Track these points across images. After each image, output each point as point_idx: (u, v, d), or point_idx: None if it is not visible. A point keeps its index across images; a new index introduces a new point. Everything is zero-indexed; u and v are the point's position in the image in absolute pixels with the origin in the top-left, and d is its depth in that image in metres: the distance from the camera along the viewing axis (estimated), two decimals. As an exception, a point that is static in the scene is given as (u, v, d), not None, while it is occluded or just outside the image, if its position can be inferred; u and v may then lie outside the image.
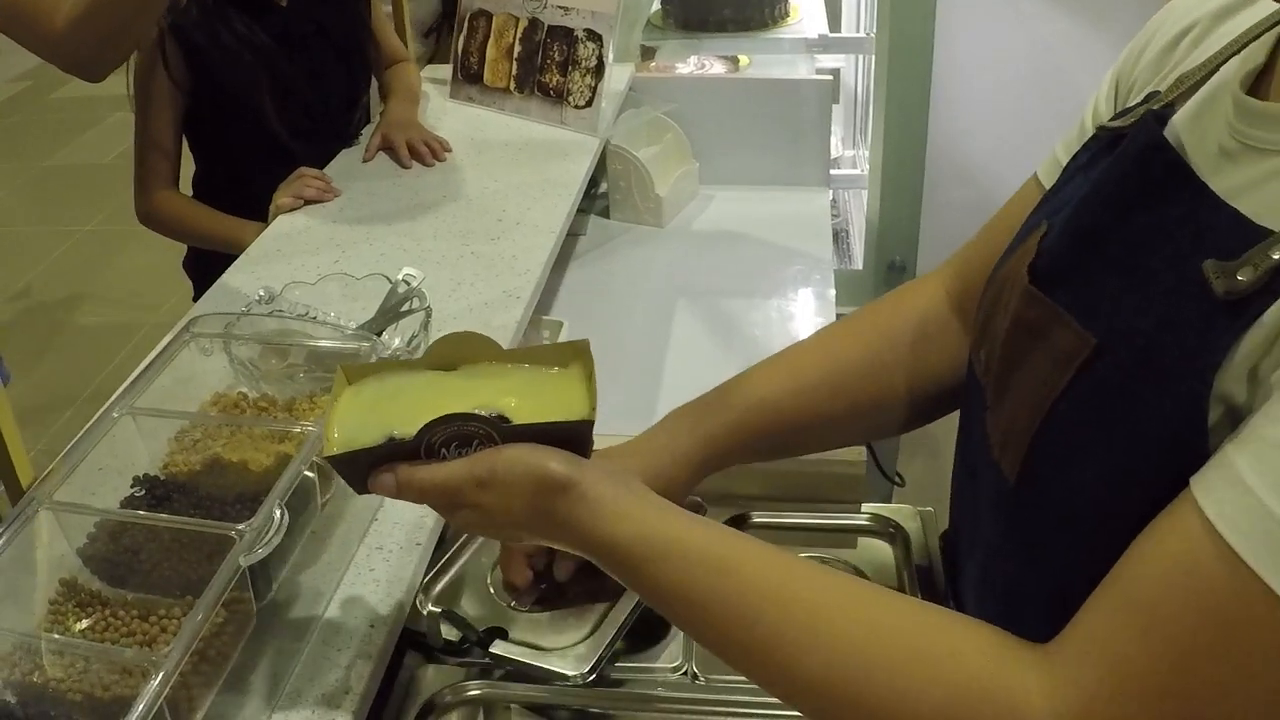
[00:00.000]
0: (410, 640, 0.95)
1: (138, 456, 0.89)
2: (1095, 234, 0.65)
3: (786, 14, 2.52)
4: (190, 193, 1.83)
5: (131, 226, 1.83)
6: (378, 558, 0.97)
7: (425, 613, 0.95)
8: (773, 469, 1.03)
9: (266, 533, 0.77)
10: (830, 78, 2.18)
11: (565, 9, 1.87)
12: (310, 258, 1.48)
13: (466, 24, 2.02)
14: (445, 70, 2.08)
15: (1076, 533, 0.61)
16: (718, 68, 2.30)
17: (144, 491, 0.86)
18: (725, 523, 0.94)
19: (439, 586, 0.97)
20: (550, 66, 1.90)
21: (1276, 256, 0.53)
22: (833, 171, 2.29)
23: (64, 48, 1.20)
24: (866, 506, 1.11)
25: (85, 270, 3.86)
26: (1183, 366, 0.55)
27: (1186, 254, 0.57)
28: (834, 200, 2.61)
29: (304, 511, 0.86)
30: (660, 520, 0.69)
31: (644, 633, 0.94)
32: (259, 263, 1.49)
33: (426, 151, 1.78)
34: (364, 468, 0.71)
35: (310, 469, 0.85)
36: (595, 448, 0.73)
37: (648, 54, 2.34)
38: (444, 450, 0.70)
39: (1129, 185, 0.64)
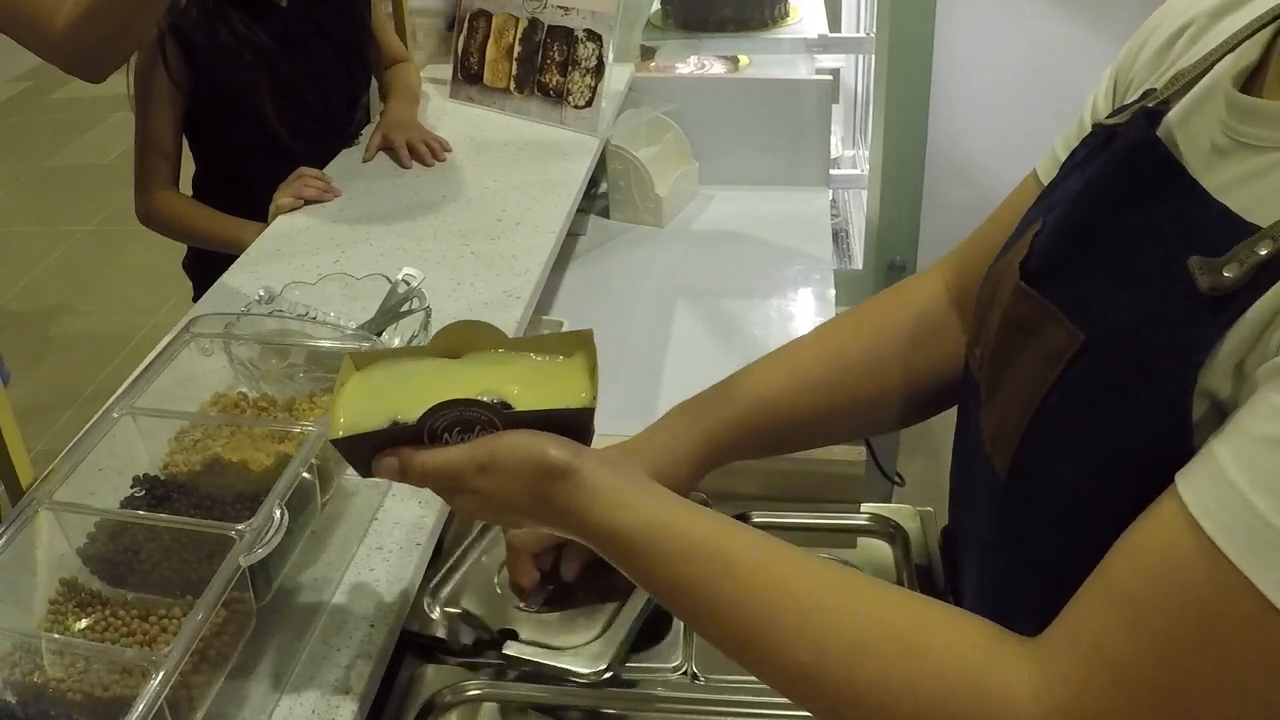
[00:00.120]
0: (416, 643, 0.95)
1: (138, 456, 0.89)
2: (1087, 231, 0.65)
3: (786, 14, 2.52)
4: (190, 193, 1.83)
5: (131, 226, 1.83)
6: (378, 557, 0.97)
7: (439, 614, 0.95)
8: (773, 468, 1.03)
9: (266, 533, 0.77)
10: (830, 78, 2.18)
11: (565, 9, 1.87)
12: (310, 258, 1.48)
13: (466, 24, 2.02)
14: (445, 70, 2.08)
15: (1066, 527, 0.61)
16: (718, 68, 2.30)
17: (144, 491, 0.86)
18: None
19: (447, 589, 0.97)
20: (550, 66, 1.90)
21: (1262, 253, 0.53)
22: (832, 171, 2.29)
23: (64, 49, 1.20)
24: (866, 506, 1.11)
25: (85, 270, 3.86)
26: (1167, 362, 0.55)
27: (1175, 251, 0.57)
28: (834, 200, 2.61)
29: (304, 511, 0.86)
30: (658, 508, 0.69)
31: (645, 632, 0.94)
32: (259, 263, 1.49)
33: (426, 151, 1.78)
34: (368, 451, 0.73)
35: (310, 469, 0.85)
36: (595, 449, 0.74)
37: (648, 54, 2.34)
38: (446, 435, 0.71)
39: (1120, 183, 0.65)
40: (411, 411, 0.70)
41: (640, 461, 0.86)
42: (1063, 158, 0.77)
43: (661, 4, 2.54)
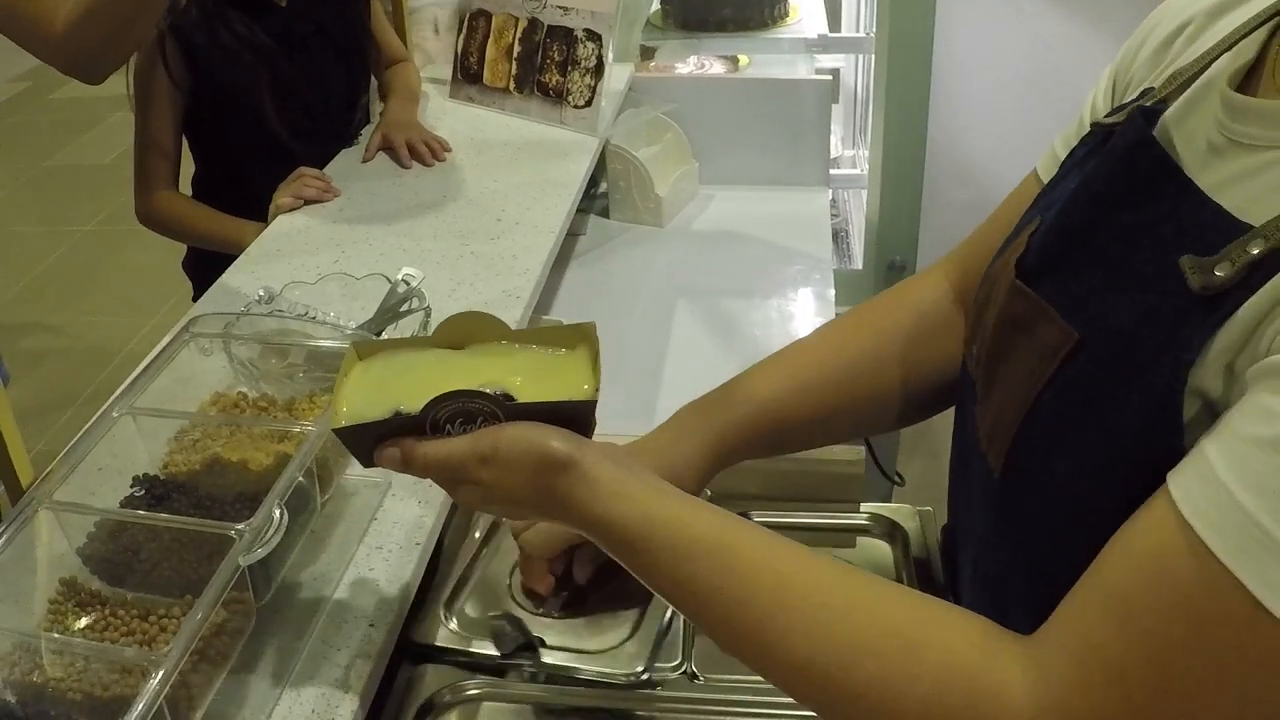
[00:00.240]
0: (421, 650, 0.95)
1: (137, 456, 0.89)
2: (1082, 229, 0.65)
3: (786, 14, 2.52)
4: (190, 193, 1.83)
5: (131, 226, 1.83)
6: (377, 557, 0.97)
7: (456, 626, 0.95)
8: (773, 468, 1.03)
9: (266, 532, 0.77)
10: (830, 77, 2.18)
11: (565, 9, 1.87)
12: (310, 258, 1.48)
13: (466, 24, 2.02)
14: (445, 70, 2.08)
15: (1059, 525, 0.62)
16: (717, 68, 2.30)
17: (144, 491, 0.86)
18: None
19: (461, 599, 0.97)
20: (550, 66, 1.90)
21: (1254, 251, 0.53)
22: (832, 171, 2.29)
23: (64, 49, 1.20)
24: (866, 506, 1.11)
25: (85, 270, 3.86)
26: (1158, 361, 0.55)
27: (1170, 250, 0.58)
28: (834, 200, 2.61)
29: (303, 511, 0.86)
30: (659, 501, 0.69)
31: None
32: (259, 263, 1.49)
33: (426, 151, 1.78)
34: (370, 441, 0.73)
35: (309, 469, 0.85)
36: None
37: (647, 54, 2.34)
38: (449, 426, 0.71)
39: (1116, 182, 0.65)
40: (414, 402, 0.71)
41: (648, 462, 0.86)
42: (1062, 156, 0.77)
43: (661, 4, 2.54)
